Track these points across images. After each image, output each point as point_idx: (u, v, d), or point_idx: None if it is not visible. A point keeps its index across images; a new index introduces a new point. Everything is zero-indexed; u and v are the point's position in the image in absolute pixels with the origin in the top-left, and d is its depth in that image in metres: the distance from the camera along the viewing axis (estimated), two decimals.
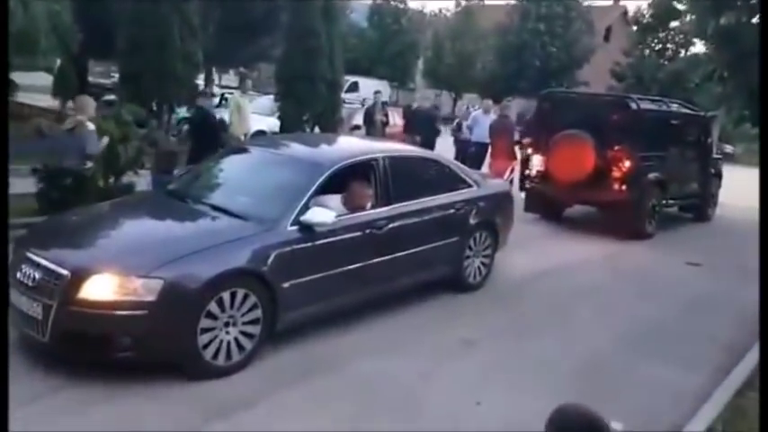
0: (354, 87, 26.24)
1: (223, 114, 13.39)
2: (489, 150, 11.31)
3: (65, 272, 3.96)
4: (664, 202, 10.23)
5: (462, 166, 6.94)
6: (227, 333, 4.20)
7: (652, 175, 9.74)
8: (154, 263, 4.00)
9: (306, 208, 4.71)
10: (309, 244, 4.66)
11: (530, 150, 10.31)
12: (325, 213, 4.72)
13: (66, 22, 9.69)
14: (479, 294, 6.38)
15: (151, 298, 3.90)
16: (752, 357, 5.24)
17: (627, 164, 9.27)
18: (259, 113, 14.20)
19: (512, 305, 6.24)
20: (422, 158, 6.53)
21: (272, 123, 13.91)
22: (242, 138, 11.11)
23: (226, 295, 4.15)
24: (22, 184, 6.98)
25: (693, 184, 11.29)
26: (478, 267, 6.45)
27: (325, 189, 5.02)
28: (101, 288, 3.91)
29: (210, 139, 8.48)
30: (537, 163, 9.96)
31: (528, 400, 4.23)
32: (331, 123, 10.00)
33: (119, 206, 5.64)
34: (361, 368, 4.52)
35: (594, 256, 8.46)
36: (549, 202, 10.27)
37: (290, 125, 11.91)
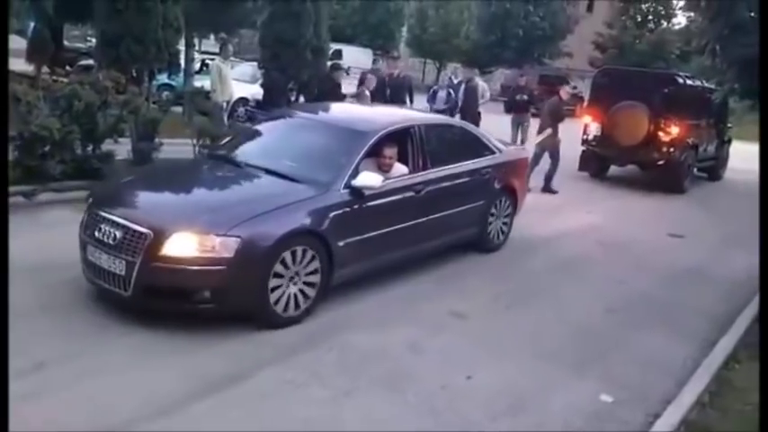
0: (338, 55, 25.84)
1: (204, 81, 13.18)
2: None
3: (147, 231, 4.25)
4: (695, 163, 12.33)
5: (485, 133, 7.24)
6: (292, 287, 4.57)
7: (690, 140, 11.70)
8: (230, 222, 4.34)
9: (356, 172, 5.05)
10: (359, 206, 5.04)
11: (588, 118, 11.98)
12: (374, 177, 5.07)
13: None
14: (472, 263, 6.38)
15: (229, 255, 4.24)
16: (736, 328, 5.32)
17: (675, 130, 11.19)
18: (241, 80, 13.93)
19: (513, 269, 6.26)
20: (450, 126, 7.06)
21: (255, 91, 13.65)
22: (224, 105, 10.89)
23: (292, 252, 4.53)
24: None
25: (712, 149, 13.16)
26: (500, 229, 6.89)
27: (369, 155, 5.37)
28: (182, 245, 4.23)
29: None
30: (594, 129, 11.71)
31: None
32: (323, 91, 9.80)
33: (176, 169, 6.00)
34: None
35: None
36: (600, 163, 12.17)
37: (275, 93, 11.66)
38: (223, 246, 4.24)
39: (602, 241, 7.89)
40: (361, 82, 11.11)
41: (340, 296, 5.10)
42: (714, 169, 13.85)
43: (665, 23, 36.03)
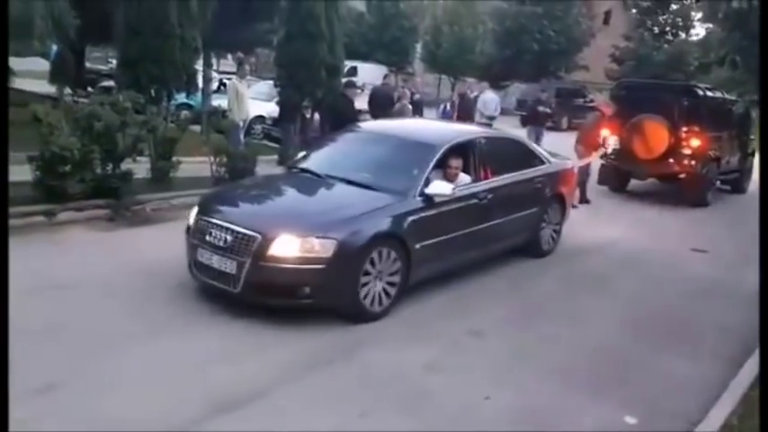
0: (353, 72, 25.95)
1: (222, 100, 13.31)
2: None
3: (256, 234, 4.75)
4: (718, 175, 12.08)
5: (536, 145, 7.68)
6: (377, 285, 5.03)
7: (712, 153, 11.46)
8: (328, 225, 4.85)
9: (428, 181, 5.52)
10: (432, 212, 5.48)
11: (607, 131, 11.39)
12: (445, 186, 5.57)
13: (62, 6, 9.49)
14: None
15: (327, 254, 4.72)
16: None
17: (696, 142, 10.99)
18: (257, 99, 14.05)
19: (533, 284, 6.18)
20: (506, 138, 7.51)
21: (271, 109, 13.75)
22: (241, 123, 10.97)
23: (377, 253, 4.99)
24: (19, 172, 6.84)
25: (735, 161, 12.91)
26: (551, 236, 7.33)
27: (436, 165, 5.83)
28: (287, 247, 4.71)
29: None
30: (613, 142, 11.18)
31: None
32: (337, 109, 9.88)
33: (265, 181, 6.60)
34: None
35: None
36: (620, 177, 11.98)
37: (290, 110, 11.72)
38: (322, 246, 4.73)
39: (623, 256, 7.77)
40: (398, 98, 11.77)
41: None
42: (738, 182, 13.60)
43: (683, 35, 35.78)
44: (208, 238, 4.99)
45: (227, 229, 4.90)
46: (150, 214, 7.53)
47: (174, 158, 8.59)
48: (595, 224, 9.24)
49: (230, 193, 6.01)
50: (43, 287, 5.01)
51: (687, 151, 11.08)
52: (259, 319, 4.83)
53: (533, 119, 13.95)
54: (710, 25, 28.67)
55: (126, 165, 7.68)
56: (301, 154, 6.79)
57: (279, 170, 6.64)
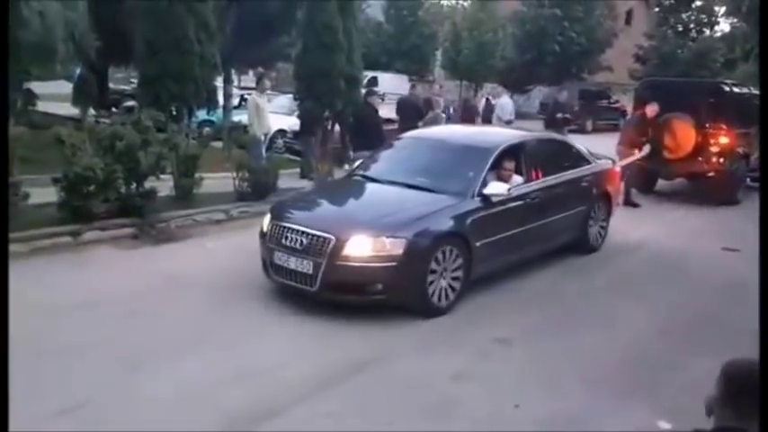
0: (373, 83, 25.99)
1: (243, 116, 13.42)
2: None
3: (330, 236, 5.05)
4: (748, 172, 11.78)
5: (581, 145, 7.91)
6: (442, 281, 5.30)
7: (741, 149, 11.25)
8: (397, 226, 5.15)
9: (484, 182, 5.81)
10: (489, 212, 5.76)
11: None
12: (501, 186, 5.88)
13: (83, 29, 9.64)
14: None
15: (398, 252, 5.01)
16: None
17: (724, 140, 10.84)
18: (278, 113, 14.13)
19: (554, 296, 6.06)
20: (553, 140, 7.97)
21: (292, 122, 13.83)
22: (262, 138, 11.02)
23: (442, 251, 5.25)
24: (44, 194, 6.96)
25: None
26: (598, 232, 7.57)
27: (491, 167, 6.11)
28: (360, 247, 5.02)
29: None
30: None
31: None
32: (361, 118, 9.91)
33: (329, 187, 7.21)
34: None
35: None
36: (647, 177, 11.63)
37: (311, 123, 11.74)
38: (393, 245, 5.02)
39: (654, 257, 7.60)
40: (429, 105, 12.03)
41: (379, 323, 5.06)
42: None
43: (707, 31, 35.16)
44: (284, 241, 5.28)
45: (302, 232, 5.20)
46: (175, 231, 7.57)
47: (197, 175, 8.65)
48: (625, 225, 9.01)
49: (299, 200, 6.45)
50: (70, 306, 5.05)
51: (715, 149, 10.87)
52: (273, 326, 4.82)
53: (552, 123, 13.82)
54: (735, 20, 28.14)
55: (149, 183, 7.74)
56: (359, 162, 7.11)
57: (340, 178, 7.08)
